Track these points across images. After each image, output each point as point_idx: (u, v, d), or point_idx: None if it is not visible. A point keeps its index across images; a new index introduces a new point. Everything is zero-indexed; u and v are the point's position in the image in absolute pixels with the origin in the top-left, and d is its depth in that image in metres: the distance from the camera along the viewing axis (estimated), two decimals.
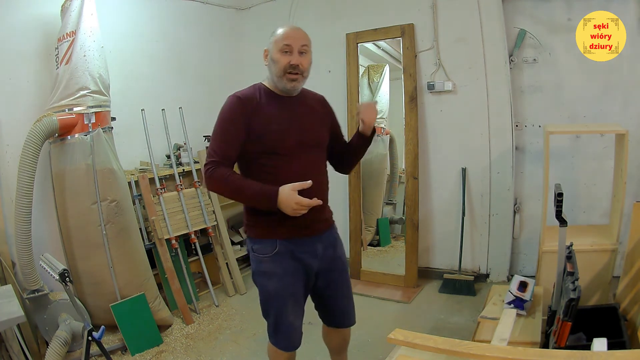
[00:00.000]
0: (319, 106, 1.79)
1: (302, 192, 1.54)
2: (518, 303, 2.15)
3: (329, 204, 1.84)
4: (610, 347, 1.34)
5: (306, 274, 1.72)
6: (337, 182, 3.64)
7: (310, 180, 1.54)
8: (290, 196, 1.51)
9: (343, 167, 1.95)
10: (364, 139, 1.79)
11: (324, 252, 1.74)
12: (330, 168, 1.88)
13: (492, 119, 3.16)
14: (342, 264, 1.84)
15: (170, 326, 2.87)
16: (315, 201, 1.53)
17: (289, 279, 1.68)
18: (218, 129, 1.62)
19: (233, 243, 3.70)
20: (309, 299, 1.84)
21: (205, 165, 1.59)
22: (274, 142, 1.59)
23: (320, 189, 1.69)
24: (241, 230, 3.86)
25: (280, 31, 1.62)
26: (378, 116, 3.80)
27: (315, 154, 1.70)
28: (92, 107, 2.57)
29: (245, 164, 1.67)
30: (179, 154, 3.29)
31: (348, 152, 1.88)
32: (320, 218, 1.73)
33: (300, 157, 1.64)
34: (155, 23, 3.39)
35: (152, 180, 3.04)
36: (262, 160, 1.61)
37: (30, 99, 2.65)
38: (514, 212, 3.24)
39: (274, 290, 1.68)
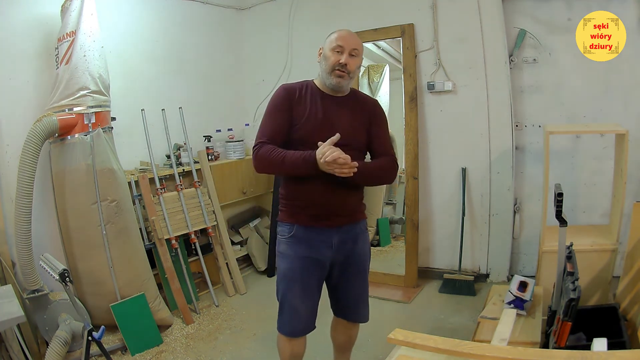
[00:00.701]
0: (362, 108, 1.83)
1: (322, 183, 1.66)
2: (518, 303, 2.15)
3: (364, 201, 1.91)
4: (610, 347, 1.34)
5: (319, 264, 1.77)
6: None
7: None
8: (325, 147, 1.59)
9: None
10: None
11: (340, 244, 1.78)
12: None
13: (492, 119, 3.16)
14: (361, 260, 1.88)
15: (170, 326, 2.87)
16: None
17: (299, 262, 1.75)
18: (266, 114, 1.77)
19: (233, 243, 3.70)
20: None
21: (253, 147, 1.73)
22: (306, 133, 1.70)
23: (342, 185, 1.70)
24: (241, 230, 3.86)
25: (336, 33, 1.76)
26: None
27: (345, 151, 1.66)
28: (92, 107, 2.57)
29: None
30: (179, 154, 3.29)
31: None
32: (340, 211, 1.77)
33: None
34: (155, 23, 3.39)
35: (152, 180, 3.04)
36: (298, 148, 1.69)
37: (30, 99, 2.64)
38: (514, 212, 3.24)
39: (283, 271, 1.79)
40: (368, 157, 1.91)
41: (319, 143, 1.60)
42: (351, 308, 1.92)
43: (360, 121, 1.81)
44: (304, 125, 1.71)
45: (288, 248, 1.77)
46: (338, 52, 1.71)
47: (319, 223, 1.74)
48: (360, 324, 2.00)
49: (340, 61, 1.70)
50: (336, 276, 1.84)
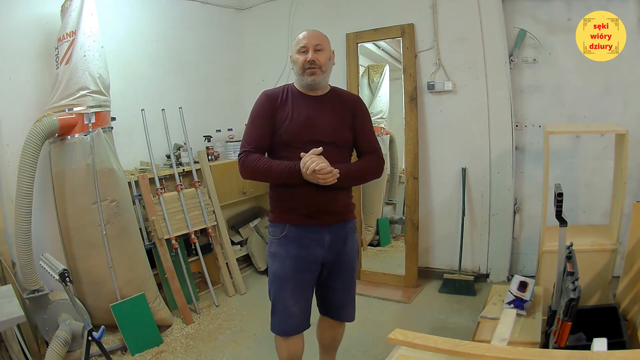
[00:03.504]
0: (344, 105, 1.86)
1: (311, 182, 1.67)
2: (518, 303, 2.15)
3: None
4: (610, 347, 1.34)
5: (311, 263, 1.78)
6: None
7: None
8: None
9: None
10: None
11: (331, 243, 1.79)
12: None
13: (492, 119, 3.16)
14: (349, 260, 1.89)
15: (170, 326, 2.87)
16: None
17: (291, 262, 1.77)
18: (249, 122, 1.81)
19: (233, 243, 3.70)
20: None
21: (239, 155, 1.78)
22: (290, 136, 1.74)
23: (335, 187, 1.72)
24: (241, 230, 3.86)
25: (298, 36, 1.81)
26: (378, 116, 3.84)
27: (331, 150, 1.73)
28: (92, 107, 2.57)
29: (271, 156, 1.81)
30: (179, 154, 3.29)
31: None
32: (330, 210, 1.78)
33: None
34: (155, 23, 3.39)
35: (152, 180, 3.04)
36: (282, 152, 1.76)
37: (30, 99, 2.65)
38: (514, 212, 3.23)
39: (275, 271, 1.81)
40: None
41: (302, 154, 1.66)
42: (338, 307, 1.93)
43: (344, 119, 1.83)
44: (288, 128, 1.74)
45: (280, 248, 1.79)
46: (303, 52, 1.76)
47: (310, 222, 1.76)
48: (351, 322, 2.01)
49: (307, 59, 1.74)
50: (325, 275, 1.85)
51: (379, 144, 1.94)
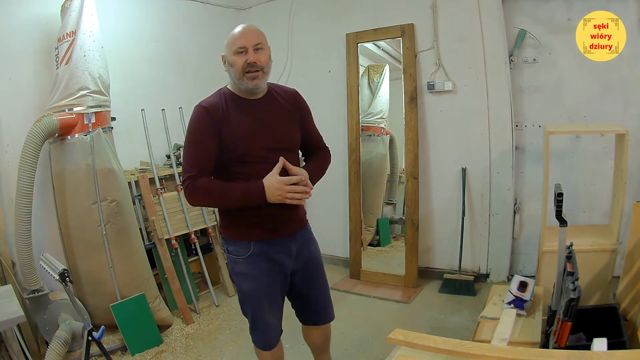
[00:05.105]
0: (288, 103, 1.74)
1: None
2: (518, 303, 2.15)
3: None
4: (610, 347, 1.34)
5: (282, 274, 1.73)
6: (337, 182, 3.68)
7: (281, 157, 1.57)
8: (276, 180, 1.55)
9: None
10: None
11: (298, 251, 1.74)
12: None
13: (492, 119, 3.16)
14: (317, 262, 1.85)
15: (170, 326, 2.87)
16: (297, 177, 1.57)
17: (264, 280, 1.70)
18: (189, 141, 1.61)
19: None
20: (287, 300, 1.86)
21: (184, 182, 1.58)
22: (242, 149, 1.59)
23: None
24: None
25: (232, 33, 1.61)
26: (378, 116, 3.84)
27: (286, 155, 1.64)
28: (92, 107, 2.57)
29: (220, 173, 1.64)
30: (179, 154, 3.28)
31: (307, 161, 1.85)
32: (293, 218, 1.73)
33: (270, 162, 1.60)
34: (155, 23, 3.39)
35: (152, 180, 3.04)
36: (234, 168, 1.61)
37: (30, 99, 2.65)
38: (514, 212, 3.23)
39: (249, 291, 1.72)
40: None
41: (271, 173, 1.56)
42: (322, 311, 1.89)
43: (292, 118, 1.73)
44: (239, 142, 1.58)
45: (249, 268, 1.68)
46: (241, 52, 1.57)
47: (275, 234, 1.67)
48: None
49: (248, 61, 1.57)
50: (298, 284, 1.79)
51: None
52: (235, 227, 1.69)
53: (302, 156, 1.89)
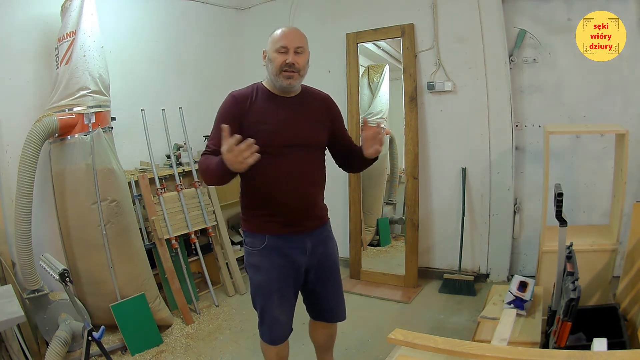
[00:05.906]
0: (319, 106, 1.80)
1: (290, 189, 1.65)
2: (518, 303, 2.15)
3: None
4: (610, 347, 1.34)
5: (295, 270, 1.75)
6: (337, 182, 3.67)
7: (257, 155, 1.47)
8: (223, 149, 1.46)
9: (348, 169, 1.98)
10: (365, 160, 1.77)
11: (313, 249, 1.76)
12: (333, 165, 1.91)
13: (492, 119, 3.16)
14: (332, 261, 1.86)
15: (170, 326, 2.87)
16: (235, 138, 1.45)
17: (276, 274, 1.72)
18: (215, 125, 1.68)
19: (233, 243, 3.69)
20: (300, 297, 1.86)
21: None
22: (262, 141, 1.57)
23: (310, 188, 1.73)
24: (241, 230, 3.86)
25: (277, 32, 1.68)
26: (378, 116, 3.85)
27: (307, 153, 1.70)
28: (92, 107, 2.57)
29: None
30: (179, 154, 3.29)
31: (351, 159, 1.88)
32: (310, 215, 1.76)
33: (288, 157, 1.66)
34: (155, 23, 3.39)
35: (152, 180, 3.04)
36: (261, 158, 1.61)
37: (30, 99, 2.65)
38: (514, 212, 3.23)
39: (259, 283, 1.75)
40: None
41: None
42: (331, 310, 1.91)
43: (319, 120, 1.77)
44: (260, 133, 1.60)
45: (262, 260, 1.73)
46: (282, 52, 1.64)
47: (290, 230, 1.71)
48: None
49: (287, 61, 1.63)
50: (312, 281, 1.81)
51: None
52: (253, 220, 1.76)
53: (338, 162, 1.94)
